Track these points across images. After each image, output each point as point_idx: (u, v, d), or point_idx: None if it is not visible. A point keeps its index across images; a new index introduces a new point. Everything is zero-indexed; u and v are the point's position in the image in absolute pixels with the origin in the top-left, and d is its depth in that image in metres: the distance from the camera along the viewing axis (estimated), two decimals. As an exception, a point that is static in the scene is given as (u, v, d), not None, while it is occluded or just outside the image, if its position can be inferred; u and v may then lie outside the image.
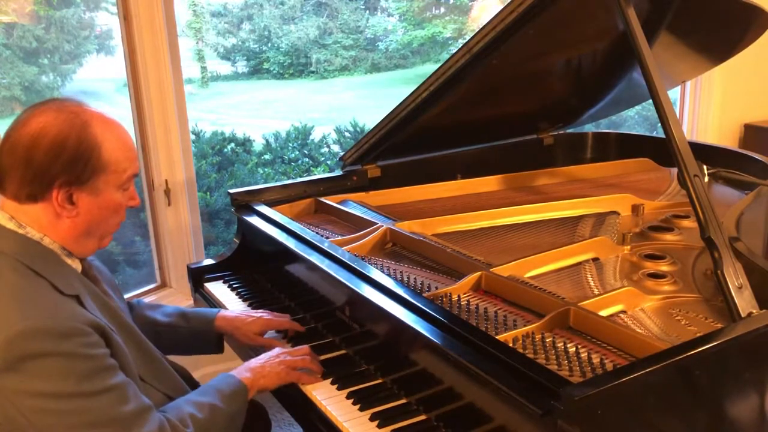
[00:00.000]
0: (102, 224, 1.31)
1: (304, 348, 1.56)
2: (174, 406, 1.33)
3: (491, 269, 1.60)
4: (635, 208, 2.04)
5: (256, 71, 10.70)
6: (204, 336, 1.69)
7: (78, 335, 1.17)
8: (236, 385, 1.40)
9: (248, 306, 1.92)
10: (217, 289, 2.05)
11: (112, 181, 1.27)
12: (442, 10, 11.03)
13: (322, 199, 2.21)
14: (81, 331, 1.17)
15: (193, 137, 4.33)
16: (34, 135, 1.19)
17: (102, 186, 1.26)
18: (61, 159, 1.20)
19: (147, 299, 2.74)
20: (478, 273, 1.59)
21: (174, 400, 1.37)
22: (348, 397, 1.45)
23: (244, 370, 1.45)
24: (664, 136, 1.48)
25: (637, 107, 4.95)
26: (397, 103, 2.07)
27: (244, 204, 2.14)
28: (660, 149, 2.25)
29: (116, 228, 1.36)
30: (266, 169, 4.73)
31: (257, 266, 2.10)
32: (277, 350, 1.54)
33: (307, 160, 4.95)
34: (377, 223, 1.93)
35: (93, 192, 1.25)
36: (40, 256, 1.23)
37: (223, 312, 1.73)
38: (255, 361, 1.49)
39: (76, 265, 1.31)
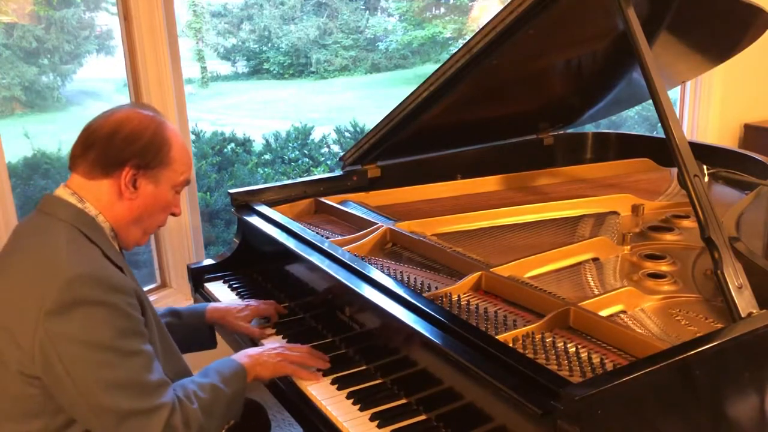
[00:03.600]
0: (150, 217, 1.44)
1: (304, 347, 1.58)
2: (180, 384, 1.38)
3: (491, 269, 1.59)
4: (635, 208, 2.04)
5: (256, 71, 10.69)
6: (197, 329, 1.76)
7: (124, 293, 1.27)
8: (236, 368, 1.45)
9: (248, 306, 1.93)
10: (217, 289, 2.05)
11: (170, 178, 1.42)
12: (442, 10, 11.03)
13: (322, 200, 2.21)
14: (127, 290, 1.28)
15: (193, 137, 4.32)
16: (118, 122, 1.36)
17: (162, 179, 1.41)
18: (137, 144, 1.36)
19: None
20: (478, 273, 1.59)
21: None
22: (348, 397, 1.45)
23: (242, 356, 1.50)
24: (664, 136, 1.48)
25: (637, 107, 4.94)
26: (397, 104, 2.07)
27: (244, 204, 2.14)
28: (660, 149, 2.25)
29: (156, 229, 1.50)
30: (266, 169, 4.72)
31: (257, 266, 2.10)
32: (275, 344, 1.59)
33: (307, 160, 4.94)
34: (377, 224, 1.93)
35: (154, 182, 1.39)
36: (93, 229, 1.35)
37: (212, 304, 1.81)
38: (253, 350, 1.54)
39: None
